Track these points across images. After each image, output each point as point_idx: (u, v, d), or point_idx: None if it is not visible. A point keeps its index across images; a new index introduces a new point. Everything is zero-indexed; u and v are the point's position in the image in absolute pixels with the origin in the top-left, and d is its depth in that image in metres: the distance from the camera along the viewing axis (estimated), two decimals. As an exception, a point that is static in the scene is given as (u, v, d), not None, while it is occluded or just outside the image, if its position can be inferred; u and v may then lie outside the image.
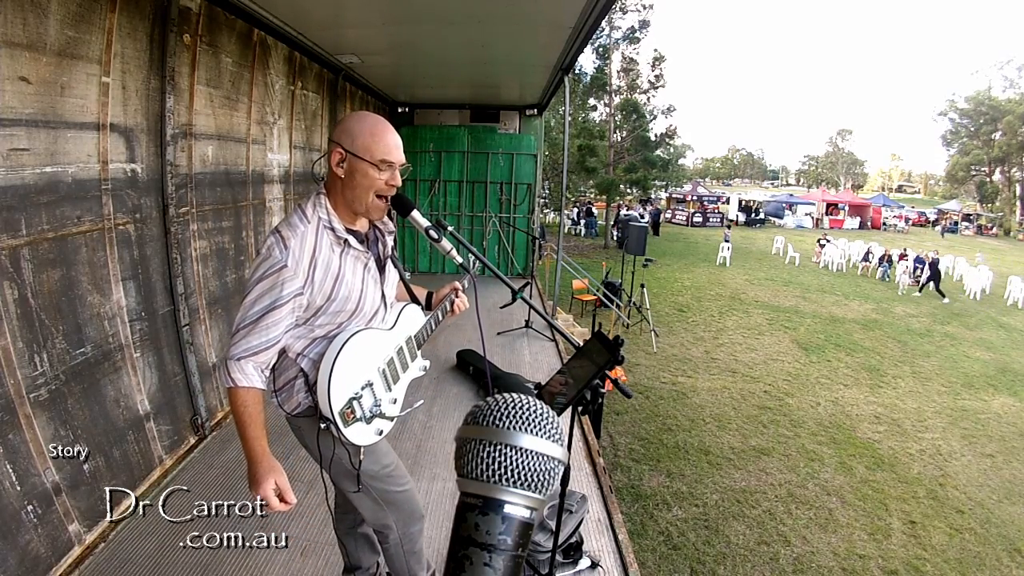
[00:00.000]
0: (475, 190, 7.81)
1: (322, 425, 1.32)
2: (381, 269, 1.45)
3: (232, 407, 1.25)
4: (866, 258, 17.48)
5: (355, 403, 1.34)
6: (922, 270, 15.36)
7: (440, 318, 1.68)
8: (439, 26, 3.80)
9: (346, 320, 1.37)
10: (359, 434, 1.37)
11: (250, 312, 1.24)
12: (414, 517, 1.62)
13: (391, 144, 1.29)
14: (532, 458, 0.50)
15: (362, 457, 1.44)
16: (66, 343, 2.14)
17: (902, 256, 16.48)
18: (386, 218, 1.43)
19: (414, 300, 1.65)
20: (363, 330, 1.38)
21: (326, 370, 1.29)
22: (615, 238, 19.06)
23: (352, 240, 1.33)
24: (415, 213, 1.40)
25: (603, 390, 1.42)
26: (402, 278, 1.58)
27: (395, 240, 1.57)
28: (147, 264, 2.67)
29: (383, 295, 1.46)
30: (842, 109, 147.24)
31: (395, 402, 1.49)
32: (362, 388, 1.36)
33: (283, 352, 1.36)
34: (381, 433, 1.44)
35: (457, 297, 1.68)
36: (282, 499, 1.24)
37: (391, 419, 1.46)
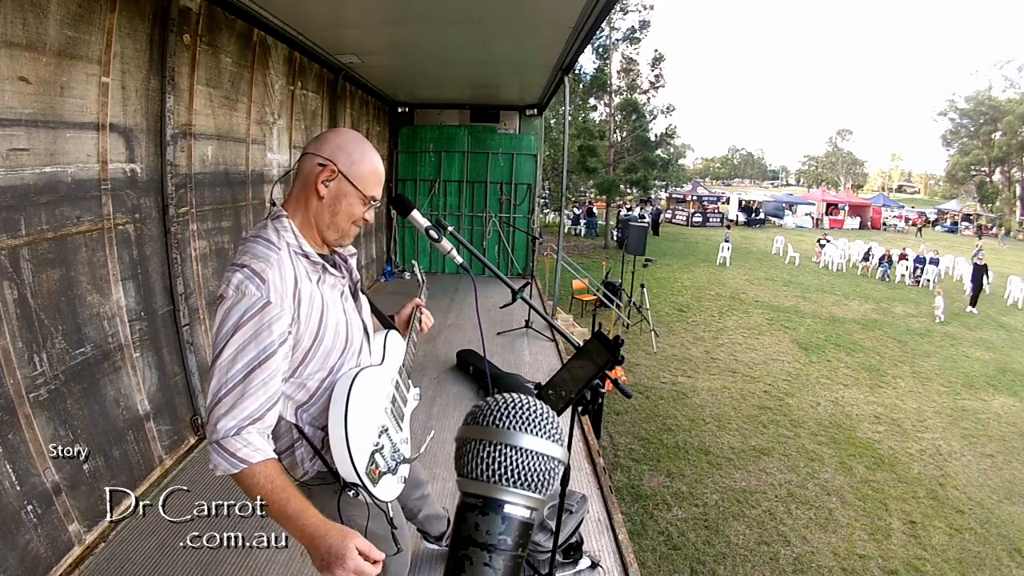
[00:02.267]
0: (475, 190, 7.82)
1: (351, 493, 1.11)
2: (355, 295, 1.29)
3: (254, 492, 0.98)
4: (866, 258, 17.51)
5: (377, 456, 1.16)
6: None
7: (416, 340, 1.53)
8: (439, 26, 3.80)
9: (337, 360, 1.18)
10: (387, 489, 1.20)
11: (232, 373, 0.99)
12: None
13: (381, 181, 1.20)
14: (532, 458, 0.49)
15: (391, 514, 1.25)
16: (66, 343, 2.14)
17: (902, 256, 16.49)
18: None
19: (388, 325, 1.47)
20: (361, 370, 1.18)
21: (338, 429, 1.08)
22: (615, 238, 19.07)
23: (328, 266, 1.18)
24: (415, 213, 1.38)
25: (603, 390, 1.41)
26: (371, 303, 1.42)
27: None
28: (147, 264, 2.67)
29: (364, 324, 1.29)
30: (842, 109, 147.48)
31: (406, 441, 1.35)
32: (379, 436, 1.19)
33: None
34: (404, 480, 1.28)
35: (422, 314, 1.56)
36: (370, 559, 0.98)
37: (411, 461, 1.32)
